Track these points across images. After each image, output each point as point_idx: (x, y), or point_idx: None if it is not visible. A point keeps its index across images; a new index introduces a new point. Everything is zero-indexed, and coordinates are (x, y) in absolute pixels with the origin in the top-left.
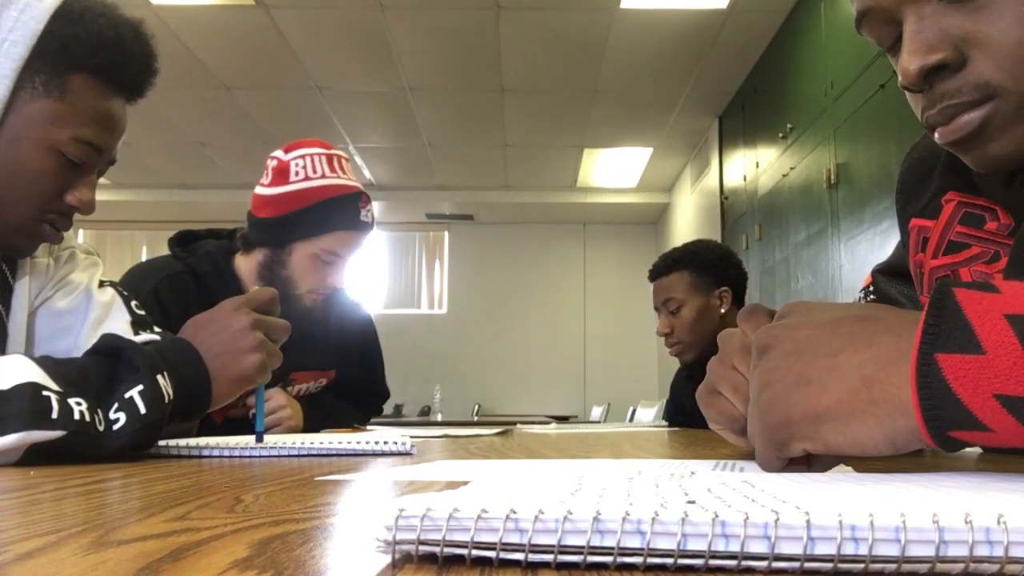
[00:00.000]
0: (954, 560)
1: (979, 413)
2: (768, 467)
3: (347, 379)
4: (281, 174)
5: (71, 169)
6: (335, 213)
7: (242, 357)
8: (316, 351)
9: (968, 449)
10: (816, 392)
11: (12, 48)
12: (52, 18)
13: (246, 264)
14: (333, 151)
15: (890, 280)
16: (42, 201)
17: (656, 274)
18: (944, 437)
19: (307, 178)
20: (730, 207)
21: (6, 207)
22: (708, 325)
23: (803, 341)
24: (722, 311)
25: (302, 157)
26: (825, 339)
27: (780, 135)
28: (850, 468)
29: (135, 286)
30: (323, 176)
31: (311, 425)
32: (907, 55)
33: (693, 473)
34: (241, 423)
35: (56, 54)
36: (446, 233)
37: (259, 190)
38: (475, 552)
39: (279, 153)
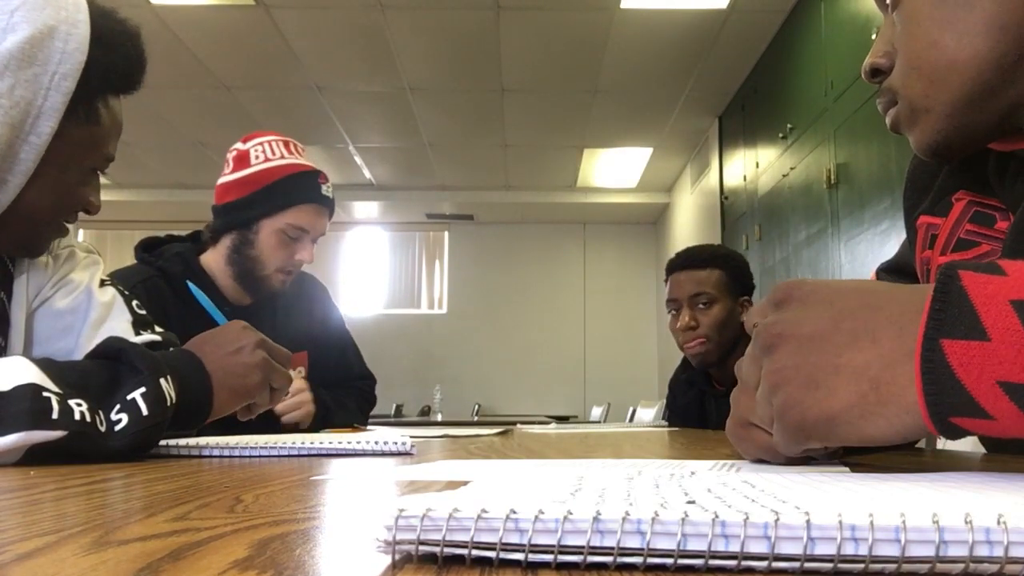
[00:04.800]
0: (954, 560)
1: (982, 400)
2: (790, 453)
3: (323, 366)
4: (242, 160)
5: (94, 178)
6: (297, 188)
7: (245, 370)
8: (287, 336)
9: (970, 449)
10: (826, 395)
11: (62, 82)
12: (91, 47)
13: (214, 257)
14: (288, 138)
15: (894, 278)
16: (74, 211)
17: (687, 265)
18: (946, 423)
19: (267, 159)
20: (730, 207)
21: (46, 222)
22: (733, 330)
23: (807, 340)
24: (743, 319)
25: (260, 144)
26: (829, 336)
27: (780, 135)
28: (847, 468)
29: None
30: (282, 157)
31: (314, 424)
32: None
33: (693, 473)
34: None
35: (96, 82)
36: (446, 233)
37: (222, 180)
38: (475, 552)
39: (238, 145)
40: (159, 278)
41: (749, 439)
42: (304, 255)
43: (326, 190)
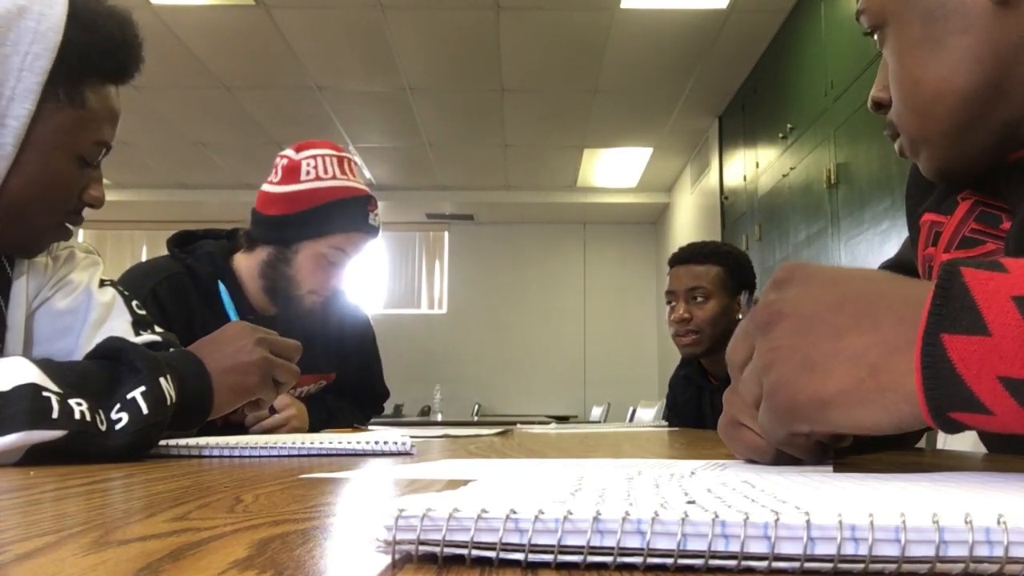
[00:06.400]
0: (954, 560)
1: (982, 395)
2: (774, 439)
3: (347, 381)
4: (292, 173)
5: (87, 169)
6: (345, 214)
7: (244, 369)
8: (317, 354)
9: (971, 449)
10: (821, 378)
11: (35, 62)
12: (67, 27)
13: (246, 263)
14: (343, 153)
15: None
16: (67, 205)
17: (687, 259)
18: (944, 418)
19: (318, 178)
20: (730, 207)
21: (37, 216)
22: (726, 325)
23: (806, 320)
24: (739, 316)
25: (313, 157)
26: (829, 318)
27: (780, 135)
28: (830, 468)
29: (134, 287)
30: (334, 177)
31: (314, 426)
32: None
33: (693, 473)
34: (241, 427)
35: (75, 63)
36: (446, 233)
37: (267, 188)
38: (475, 552)
39: (290, 152)
40: (186, 276)
41: (739, 439)
42: (337, 281)
43: (373, 219)
